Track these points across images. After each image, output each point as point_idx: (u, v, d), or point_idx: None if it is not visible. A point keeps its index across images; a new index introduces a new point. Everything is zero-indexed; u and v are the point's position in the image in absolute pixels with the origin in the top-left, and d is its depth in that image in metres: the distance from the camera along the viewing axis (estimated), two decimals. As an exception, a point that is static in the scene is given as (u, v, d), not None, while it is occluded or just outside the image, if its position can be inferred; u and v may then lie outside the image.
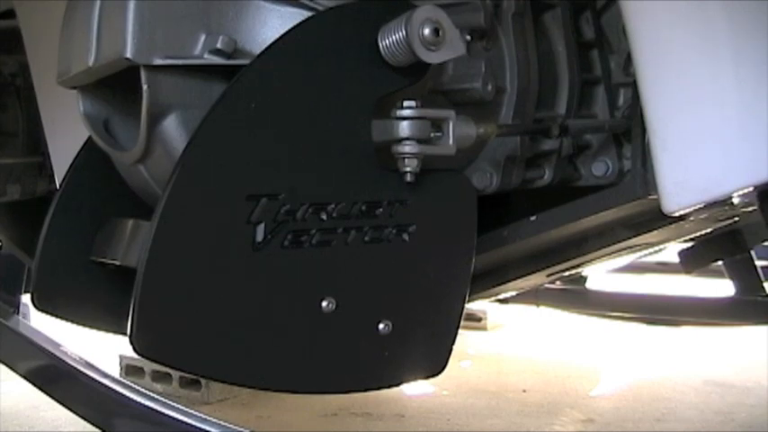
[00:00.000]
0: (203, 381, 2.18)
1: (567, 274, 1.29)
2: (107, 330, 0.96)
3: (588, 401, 2.25)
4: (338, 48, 0.75)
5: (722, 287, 1.94)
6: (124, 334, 0.71)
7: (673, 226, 1.02)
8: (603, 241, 1.08)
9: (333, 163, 0.75)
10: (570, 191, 1.01)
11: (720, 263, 1.81)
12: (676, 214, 0.79)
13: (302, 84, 0.74)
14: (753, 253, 1.82)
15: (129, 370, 2.34)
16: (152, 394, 1.57)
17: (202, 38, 0.78)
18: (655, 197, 0.83)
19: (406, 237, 0.79)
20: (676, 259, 1.80)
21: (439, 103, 0.85)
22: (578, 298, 2.05)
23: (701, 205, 0.78)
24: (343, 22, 0.75)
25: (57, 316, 0.94)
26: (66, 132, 1.17)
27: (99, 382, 1.33)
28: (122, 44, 0.75)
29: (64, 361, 1.77)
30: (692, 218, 0.96)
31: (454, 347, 0.83)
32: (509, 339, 3.02)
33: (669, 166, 0.77)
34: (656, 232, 1.04)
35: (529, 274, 1.16)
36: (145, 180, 0.84)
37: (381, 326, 0.78)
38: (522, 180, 0.98)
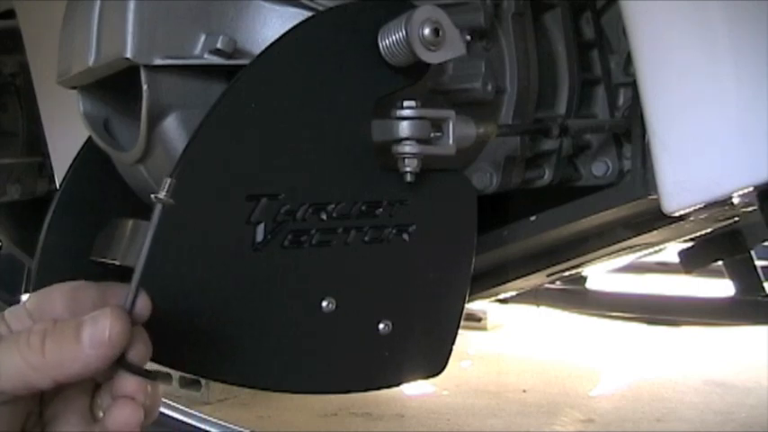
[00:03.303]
0: (203, 381, 2.18)
1: (567, 274, 1.29)
2: (107, 330, 0.95)
3: (588, 401, 2.26)
4: (338, 48, 0.75)
5: (722, 287, 1.94)
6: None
7: (673, 226, 1.02)
8: (603, 241, 1.08)
9: (333, 163, 0.75)
10: (570, 191, 1.01)
11: (720, 263, 1.81)
12: (676, 214, 0.79)
13: (302, 84, 0.74)
14: (753, 253, 1.82)
15: (129, 370, 2.34)
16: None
17: (202, 38, 0.78)
18: (655, 197, 0.83)
19: (406, 237, 0.79)
20: (676, 259, 1.80)
21: (439, 103, 0.85)
22: (578, 298, 2.04)
23: (701, 205, 0.78)
24: (343, 23, 0.75)
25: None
26: (66, 132, 1.17)
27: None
28: (122, 44, 0.75)
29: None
30: (691, 218, 0.96)
31: (454, 347, 0.83)
32: (509, 339, 3.03)
33: (669, 166, 0.77)
34: (656, 232, 1.04)
35: (529, 274, 1.16)
36: (145, 180, 0.84)
37: (381, 326, 0.78)
38: (522, 180, 0.98)
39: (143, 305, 0.61)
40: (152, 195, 0.60)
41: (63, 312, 0.60)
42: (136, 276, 0.60)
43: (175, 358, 0.70)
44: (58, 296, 0.61)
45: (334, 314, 0.75)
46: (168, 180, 0.60)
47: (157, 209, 0.60)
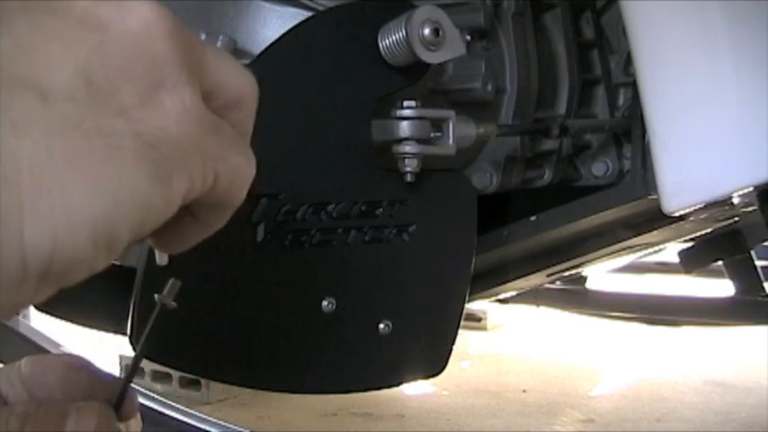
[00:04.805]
0: (203, 381, 2.17)
1: (567, 274, 1.29)
2: (107, 330, 0.95)
3: (588, 401, 2.26)
4: (338, 48, 0.75)
5: (722, 287, 1.94)
6: (124, 334, 0.71)
7: (673, 226, 1.02)
8: (603, 241, 1.08)
9: (333, 163, 0.75)
10: (570, 191, 1.01)
11: (720, 263, 1.81)
12: (676, 214, 0.79)
13: (302, 84, 0.74)
14: (753, 253, 1.81)
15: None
16: (152, 394, 1.57)
17: (202, 38, 0.78)
18: (655, 197, 0.83)
19: (406, 237, 0.79)
20: (676, 259, 1.79)
21: (439, 103, 0.85)
22: (578, 298, 2.04)
23: (701, 205, 0.78)
24: (343, 22, 0.75)
25: (56, 316, 0.94)
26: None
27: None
28: (122, 44, 0.75)
29: (64, 361, 1.76)
30: (691, 218, 0.96)
31: (454, 347, 0.83)
32: (509, 339, 3.02)
33: (669, 166, 0.77)
34: (656, 232, 1.04)
35: (529, 274, 1.16)
36: (145, 180, 0.83)
37: (381, 326, 0.78)
38: (522, 180, 0.98)
39: (131, 405, 0.59)
40: (156, 296, 0.59)
41: (54, 389, 0.58)
42: (127, 373, 0.59)
43: (176, 358, 0.70)
44: (51, 371, 0.59)
45: (335, 314, 0.75)
46: (171, 281, 0.59)
47: (156, 309, 0.59)
